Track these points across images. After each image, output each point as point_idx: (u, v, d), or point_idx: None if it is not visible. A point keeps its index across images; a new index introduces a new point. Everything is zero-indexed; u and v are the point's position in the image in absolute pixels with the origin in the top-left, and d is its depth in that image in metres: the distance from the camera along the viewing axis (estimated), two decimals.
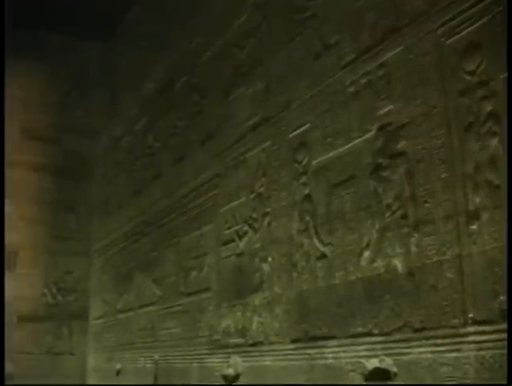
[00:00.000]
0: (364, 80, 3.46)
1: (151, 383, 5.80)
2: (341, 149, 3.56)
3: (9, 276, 7.87)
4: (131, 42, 7.88)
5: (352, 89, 3.55)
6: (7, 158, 8.15)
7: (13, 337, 7.68)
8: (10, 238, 7.96)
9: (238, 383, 4.36)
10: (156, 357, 5.79)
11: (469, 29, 2.82)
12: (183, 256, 5.53)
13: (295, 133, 4.05)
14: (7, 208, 8.04)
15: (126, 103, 7.70)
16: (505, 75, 2.63)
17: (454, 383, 2.67)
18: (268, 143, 4.37)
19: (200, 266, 5.14)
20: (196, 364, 5.04)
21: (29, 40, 8.57)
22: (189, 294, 5.31)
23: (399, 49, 3.22)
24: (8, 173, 8.11)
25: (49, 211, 8.30)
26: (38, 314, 7.94)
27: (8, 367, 7.41)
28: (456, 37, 2.88)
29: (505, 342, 2.48)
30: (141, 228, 6.63)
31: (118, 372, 6.74)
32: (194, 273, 5.26)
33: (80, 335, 8.07)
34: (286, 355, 3.85)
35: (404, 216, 3.05)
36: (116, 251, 7.37)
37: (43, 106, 8.61)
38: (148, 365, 5.97)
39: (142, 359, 6.17)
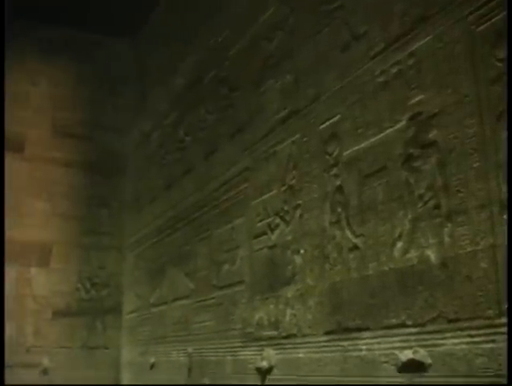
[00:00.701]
0: (394, 70, 3.44)
1: (185, 375, 5.82)
2: (372, 140, 3.54)
3: (43, 271, 7.97)
4: (160, 37, 7.90)
5: (381, 79, 3.53)
6: (41, 154, 8.26)
7: (48, 332, 7.78)
8: (43, 234, 8.06)
9: (272, 375, 4.37)
10: (190, 350, 5.81)
11: (500, 15, 2.78)
12: (215, 249, 5.54)
13: (325, 124, 4.04)
14: (41, 205, 8.13)
15: (156, 98, 7.73)
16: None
17: (490, 374, 2.65)
18: (298, 135, 4.36)
19: (233, 259, 5.15)
20: (229, 357, 5.05)
21: (59, 38, 8.65)
22: (222, 287, 5.32)
23: (429, 38, 3.19)
24: (41, 170, 8.21)
25: (82, 207, 8.37)
26: (72, 308, 8.01)
27: (44, 361, 7.52)
28: (487, 24, 2.85)
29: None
30: (173, 223, 6.65)
31: (152, 366, 6.78)
32: (226, 267, 5.27)
33: (114, 329, 8.13)
34: (320, 347, 3.84)
35: (437, 206, 3.02)
36: (148, 245, 7.41)
37: (74, 103, 8.67)
38: (182, 358, 5.99)
39: (175, 352, 6.20)
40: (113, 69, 8.90)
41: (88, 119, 8.66)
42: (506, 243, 2.56)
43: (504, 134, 2.63)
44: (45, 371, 7.66)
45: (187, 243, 6.20)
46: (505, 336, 2.51)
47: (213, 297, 5.47)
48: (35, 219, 8.12)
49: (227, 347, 5.10)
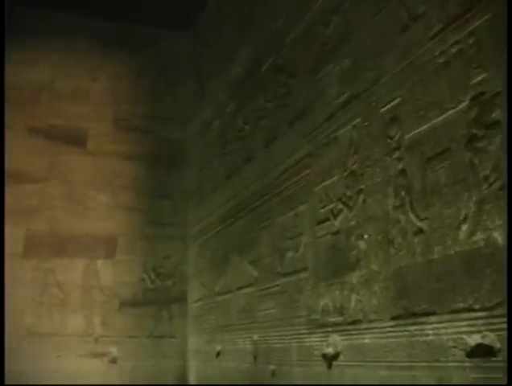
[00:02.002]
0: (454, 50, 3.38)
1: (251, 363, 5.86)
2: (434, 122, 3.49)
3: (109, 263, 8.11)
4: (216, 27, 7.93)
5: (442, 60, 3.47)
6: (103, 148, 8.39)
7: (116, 322, 7.92)
8: (108, 226, 8.20)
9: (338, 361, 4.36)
10: (255, 338, 5.84)
11: None
12: (278, 237, 5.55)
13: (385, 108, 4.00)
14: (104, 198, 8.26)
15: (215, 87, 7.76)
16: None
17: None
18: (358, 120, 4.32)
19: (296, 246, 5.14)
20: (295, 344, 5.06)
21: (117, 33, 8.76)
22: (286, 275, 5.32)
23: (489, 15, 3.13)
24: (103, 163, 8.35)
25: (145, 199, 8.48)
26: (138, 299, 8.14)
27: (113, 350, 7.66)
28: None
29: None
30: (235, 211, 6.68)
31: (218, 354, 6.84)
32: (290, 254, 5.26)
33: (180, 318, 8.22)
34: (386, 332, 3.82)
35: (503, 188, 2.96)
36: (212, 235, 7.46)
37: (134, 96, 8.79)
38: (247, 346, 6.02)
39: (241, 340, 6.24)
40: (171, 61, 8.97)
41: (149, 111, 8.77)
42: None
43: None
44: (114, 361, 7.81)
45: (250, 231, 6.21)
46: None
47: (277, 285, 5.48)
48: (100, 212, 8.26)
49: (292, 334, 5.11)
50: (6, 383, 6.98)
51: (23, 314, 7.72)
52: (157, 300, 8.22)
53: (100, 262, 8.14)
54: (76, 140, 8.43)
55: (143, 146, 8.62)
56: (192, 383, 7.88)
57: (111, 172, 8.43)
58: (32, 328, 7.71)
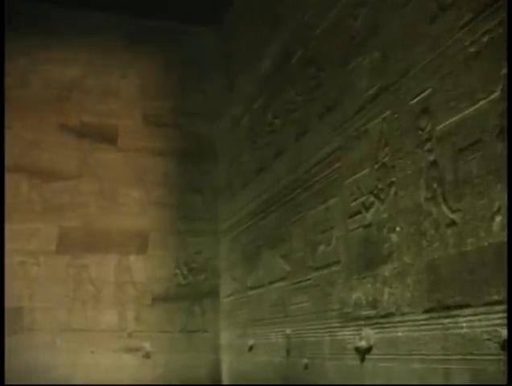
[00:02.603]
0: (485, 39, 3.34)
1: (284, 357, 5.86)
2: (465, 113, 3.45)
3: (141, 259, 8.17)
4: (244, 21, 7.92)
5: (472, 49, 3.43)
6: (133, 144, 8.44)
7: (149, 317, 7.97)
8: (140, 222, 8.25)
9: (371, 355, 4.35)
10: (288, 331, 5.84)
11: None
12: (309, 230, 5.54)
13: (416, 99, 3.97)
14: (135, 194, 8.31)
15: (244, 82, 7.76)
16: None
17: None
18: (389, 112, 4.30)
19: (328, 240, 5.13)
20: (327, 337, 5.05)
21: (145, 30, 8.80)
22: (318, 268, 5.31)
23: None
24: (134, 159, 8.40)
25: (176, 194, 8.52)
26: (171, 294, 8.18)
27: (146, 345, 7.71)
28: None
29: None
30: (266, 206, 6.68)
31: (251, 348, 6.85)
32: (322, 247, 5.25)
33: (213, 313, 8.25)
34: (419, 325, 3.80)
35: None
36: (243, 229, 7.46)
37: (163, 92, 8.82)
38: (280, 340, 6.03)
39: (273, 334, 6.24)
40: (199, 56, 8.98)
41: (178, 107, 8.80)
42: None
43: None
44: (147, 355, 7.86)
45: (282, 225, 6.21)
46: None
47: (309, 279, 5.47)
48: (131, 208, 8.31)
49: (325, 328, 5.10)
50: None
51: (58, 310, 7.81)
52: (189, 295, 8.26)
53: (132, 258, 8.20)
54: (107, 137, 8.49)
55: (173, 142, 8.65)
56: (224, 377, 7.90)
57: (142, 168, 8.48)
58: (67, 324, 7.80)
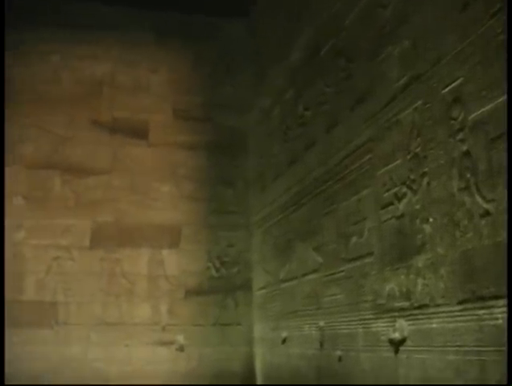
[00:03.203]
0: None
1: (318, 349, 5.86)
2: (498, 101, 3.41)
3: (174, 252, 8.21)
4: (273, 13, 7.91)
5: (503, 37, 3.39)
6: (164, 139, 8.49)
7: (182, 310, 8.01)
8: (172, 216, 8.30)
9: (405, 346, 4.32)
10: (321, 324, 5.83)
11: None
12: (342, 222, 5.52)
13: (447, 88, 3.93)
14: (167, 188, 8.36)
15: (274, 74, 7.75)
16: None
17: None
18: (420, 102, 4.26)
19: (361, 231, 5.11)
20: (361, 329, 5.04)
21: (174, 24, 8.82)
22: (351, 260, 5.29)
23: None
24: (165, 154, 8.45)
25: (207, 188, 8.54)
26: (204, 287, 8.22)
27: (179, 338, 7.75)
28: None
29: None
30: (298, 198, 6.67)
31: (284, 340, 6.86)
32: (354, 239, 5.23)
33: (246, 306, 8.27)
34: (454, 316, 3.76)
35: None
36: (275, 222, 7.46)
37: (193, 86, 8.84)
38: (313, 332, 6.02)
39: (307, 326, 6.24)
40: (229, 49, 8.99)
41: (208, 101, 8.82)
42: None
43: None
44: (181, 349, 7.91)
45: (314, 217, 6.20)
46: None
47: (342, 271, 5.45)
48: (163, 203, 8.36)
49: (358, 320, 5.08)
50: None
51: (92, 304, 7.88)
52: (222, 288, 8.29)
53: (165, 252, 8.25)
54: (138, 132, 8.55)
55: (204, 136, 8.67)
56: (258, 370, 7.92)
57: (173, 162, 8.52)
58: (101, 318, 7.88)
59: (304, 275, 6.40)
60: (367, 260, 4.98)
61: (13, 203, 8.02)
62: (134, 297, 8.06)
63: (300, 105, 6.74)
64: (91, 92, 8.55)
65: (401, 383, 4.33)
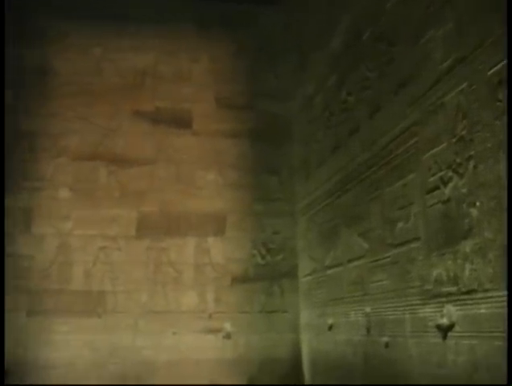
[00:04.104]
0: None
1: (364, 335, 5.83)
2: None
3: (219, 240, 8.25)
4: (313, 0, 7.86)
5: None
6: (207, 128, 8.52)
7: (228, 298, 8.05)
8: (217, 204, 8.34)
9: (453, 332, 4.28)
10: (368, 310, 5.81)
11: None
12: (387, 207, 5.47)
13: (493, 70, 3.86)
14: (211, 176, 8.39)
15: (316, 61, 7.71)
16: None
17: None
18: (465, 84, 4.19)
19: (406, 216, 5.06)
20: (408, 315, 5.00)
21: (215, 13, 8.83)
22: (397, 245, 5.25)
23: None
24: (209, 142, 8.49)
25: (251, 176, 8.56)
26: (249, 274, 8.25)
27: (226, 326, 7.80)
28: None
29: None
30: (342, 184, 6.64)
31: (331, 327, 6.85)
32: (400, 224, 5.18)
33: (292, 293, 8.28)
34: (502, 301, 3.71)
35: None
36: (320, 208, 7.44)
37: (235, 75, 8.85)
38: (360, 318, 6.00)
39: (353, 312, 6.22)
40: (269, 37, 8.98)
41: (250, 89, 8.82)
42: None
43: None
44: (228, 336, 7.96)
45: (359, 203, 6.16)
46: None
47: (388, 256, 5.42)
48: (208, 191, 8.41)
49: (405, 305, 5.05)
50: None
51: (139, 293, 7.97)
52: (268, 275, 8.31)
53: (210, 240, 8.30)
54: (182, 121, 8.59)
55: (247, 124, 8.69)
56: (304, 356, 7.93)
57: (217, 151, 8.55)
58: (148, 306, 7.96)
59: (350, 261, 6.37)
60: (413, 245, 4.93)
61: (59, 194, 8.14)
62: (181, 286, 8.13)
63: (343, 91, 6.70)
64: (133, 83, 8.62)
65: (448, 369, 4.30)
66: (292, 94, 8.65)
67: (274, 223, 8.49)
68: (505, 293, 3.58)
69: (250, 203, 8.49)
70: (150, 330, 7.90)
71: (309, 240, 7.86)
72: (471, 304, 4.06)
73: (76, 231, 8.10)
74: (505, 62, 2.48)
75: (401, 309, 5.13)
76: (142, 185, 8.33)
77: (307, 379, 7.81)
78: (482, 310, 3.93)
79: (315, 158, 7.67)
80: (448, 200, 4.38)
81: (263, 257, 8.37)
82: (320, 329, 7.29)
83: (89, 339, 7.77)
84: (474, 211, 4.04)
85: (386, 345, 5.35)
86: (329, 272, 7.02)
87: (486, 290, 3.90)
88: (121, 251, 8.11)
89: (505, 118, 3.70)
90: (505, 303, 3.58)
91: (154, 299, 8.04)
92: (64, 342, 7.72)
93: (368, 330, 5.80)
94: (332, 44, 7.03)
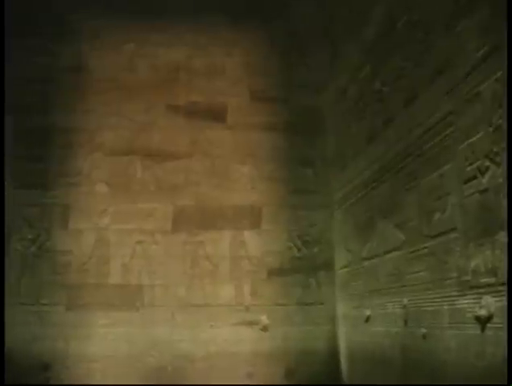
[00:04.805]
0: None
1: (402, 327, 5.80)
2: None
3: (255, 233, 8.26)
4: None
5: None
6: (242, 121, 8.52)
7: (265, 290, 8.06)
8: (252, 197, 8.35)
9: (492, 323, 4.23)
10: (405, 301, 5.77)
11: None
12: (424, 198, 5.42)
13: None
14: (246, 170, 8.40)
15: (349, 52, 7.66)
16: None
17: None
18: (501, 72, 4.14)
19: (443, 207, 5.00)
20: (446, 307, 4.95)
21: (247, 6, 8.83)
22: (434, 236, 5.20)
23: None
24: (243, 136, 8.52)
25: (286, 168, 8.55)
26: (285, 267, 8.25)
27: (263, 318, 7.81)
28: None
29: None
30: (378, 175, 6.59)
31: (368, 319, 6.82)
32: (437, 215, 5.13)
33: (328, 285, 8.26)
34: None
35: None
36: (355, 200, 7.40)
37: (268, 68, 8.84)
38: (397, 310, 5.96)
39: (390, 304, 6.18)
40: (302, 29, 8.93)
41: (283, 81, 8.81)
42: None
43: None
44: (265, 329, 7.97)
45: (395, 194, 6.11)
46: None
47: (425, 247, 5.37)
48: (243, 184, 8.42)
49: (443, 297, 5.00)
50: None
51: (176, 286, 8.01)
52: (304, 268, 8.30)
53: (246, 233, 8.31)
54: (216, 115, 8.61)
55: (281, 116, 8.67)
56: (341, 348, 7.91)
57: (251, 144, 8.56)
58: (185, 300, 8.01)
59: (386, 253, 6.34)
60: (451, 235, 4.88)
61: (96, 189, 8.22)
62: (218, 279, 8.16)
63: (377, 81, 6.65)
64: (167, 78, 8.66)
65: (487, 361, 4.25)
66: (325, 85, 8.61)
67: (310, 215, 8.47)
68: None
69: (285, 195, 8.48)
70: (188, 324, 7.94)
71: (345, 232, 7.83)
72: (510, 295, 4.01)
73: (113, 225, 8.17)
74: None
75: (438, 300, 5.08)
76: (178, 179, 8.37)
77: (344, 371, 7.80)
78: None
79: (349, 149, 7.64)
80: (486, 190, 4.33)
81: (299, 250, 8.36)
82: (356, 321, 7.26)
83: (127, 333, 7.84)
84: None
85: (424, 337, 5.31)
86: (366, 263, 6.98)
87: None
88: (158, 245, 8.17)
89: None
90: None
91: (191, 292, 8.08)
92: (102, 336, 7.81)
93: (405, 322, 5.77)
94: (365, 34, 6.98)
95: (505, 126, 2.34)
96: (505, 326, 2.51)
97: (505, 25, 2.46)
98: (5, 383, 5.52)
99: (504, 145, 2.19)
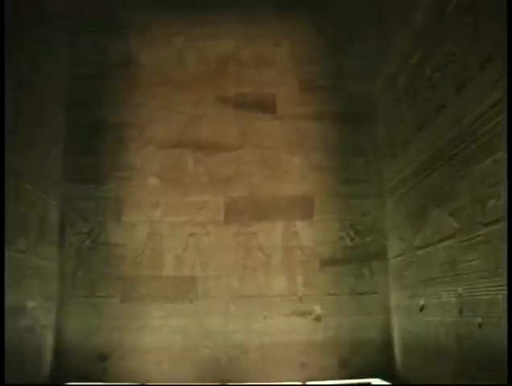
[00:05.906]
0: None
1: (456, 316, 5.74)
2: None
3: (307, 223, 8.27)
4: None
5: None
6: (291, 111, 8.53)
7: (317, 280, 8.06)
8: (303, 187, 8.35)
9: None
10: (460, 290, 5.70)
11: None
12: (477, 185, 5.34)
13: None
14: (297, 160, 8.40)
15: (398, 39, 7.57)
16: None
17: None
18: None
19: (498, 194, 4.93)
20: (501, 295, 4.88)
21: None
22: (488, 224, 5.13)
23: None
24: (293, 126, 8.52)
25: (337, 157, 8.51)
26: (338, 256, 8.22)
27: (316, 308, 7.81)
28: None
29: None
30: (430, 163, 6.52)
31: (422, 308, 6.76)
32: (492, 202, 5.05)
33: (381, 274, 8.20)
34: None
35: None
36: (407, 188, 7.33)
37: (316, 56, 8.81)
38: (452, 299, 5.90)
39: (445, 293, 6.12)
40: (350, 16, 8.87)
41: (332, 70, 8.76)
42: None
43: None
44: (318, 319, 7.97)
45: (448, 182, 6.04)
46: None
47: (480, 235, 5.30)
48: (294, 174, 8.42)
49: (499, 285, 4.93)
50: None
51: (229, 277, 8.06)
52: (357, 257, 8.26)
53: (298, 223, 8.30)
54: (265, 105, 8.61)
55: (330, 105, 8.63)
56: (395, 338, 7.85)
57: (302, 134, 8.54)
58: (239, 291, 8.05)
59: (440, 241, 6.27)
60: (505, 223, 4.80)
61: (148, 183, 8.31)
62: (270, 270, 8.17)
63: (427, 68, 6.56)
64: (216, 70, 8.69)
65: None
66: (375, 73, 8.53)
67: (362, 204, 8.41)
68: None
69: (337, 185, 8.44)
70: (241, 314, 7.98)
71: (398, 221, 7.76)
72: None
73: (166, 218, 8.25)
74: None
75: (494, 289, 5.02)
76: (229, 170, 8.40)
77: (398, 361, 7.74)
78: None
79: (400, 137, 7.56)
80: None
81: (352, 239, 8.31)
82: (410, 310, 7.20)
83: (182, 324, 7.92)
84: None
85: (480, 326, 5.24)
86: (419, 252, 6.92)
87: None
88: (211, 236, 8.22)
89: None
90: None
91: (245, 283, 8.12)
92: (157, 327, 7.91)
93: (460, 311, 5.70)
94: (414, 20, 6.89)
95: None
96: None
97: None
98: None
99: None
